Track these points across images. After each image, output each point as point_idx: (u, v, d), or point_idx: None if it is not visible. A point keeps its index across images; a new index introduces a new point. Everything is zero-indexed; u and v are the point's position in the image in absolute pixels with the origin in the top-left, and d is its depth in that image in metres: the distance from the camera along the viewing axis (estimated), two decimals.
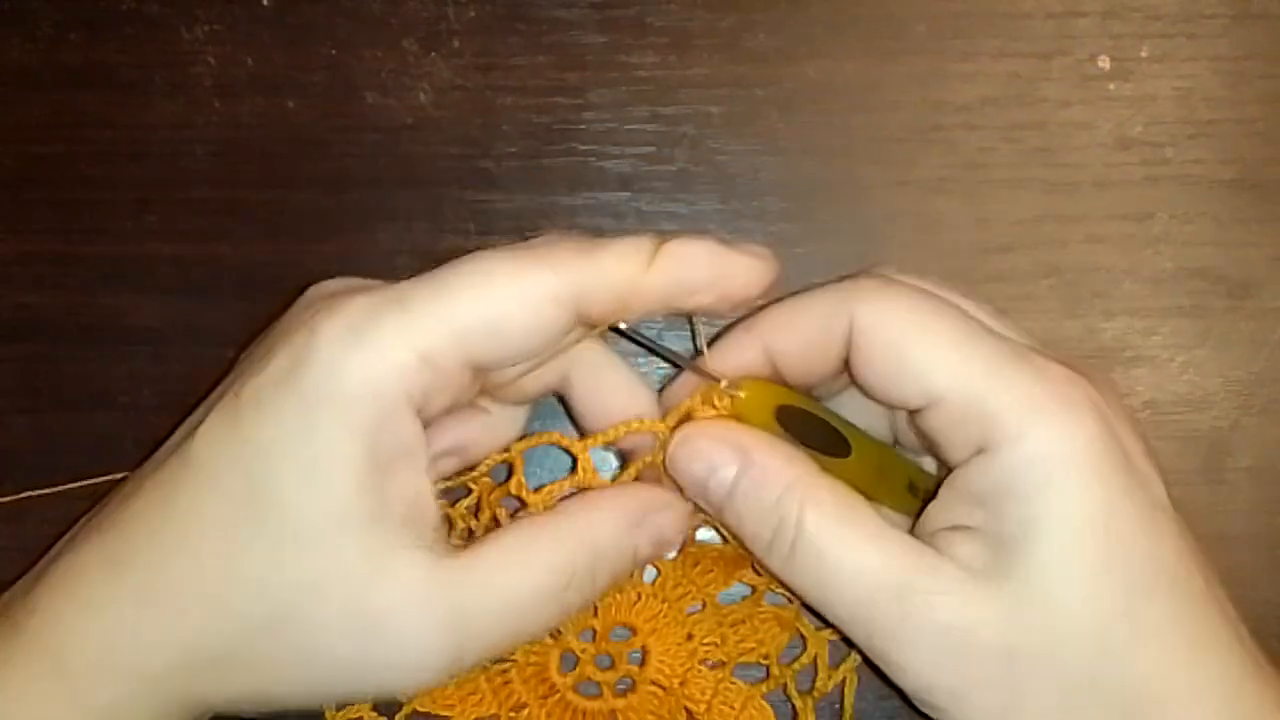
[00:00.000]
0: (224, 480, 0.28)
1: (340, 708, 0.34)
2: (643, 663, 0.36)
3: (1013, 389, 0.28)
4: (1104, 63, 0.39)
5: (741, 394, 0.30)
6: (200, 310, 0.38)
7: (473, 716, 0.35)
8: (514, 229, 0.38)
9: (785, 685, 0.36)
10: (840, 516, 0.29)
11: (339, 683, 0.29)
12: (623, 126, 0.39)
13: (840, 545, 0.29)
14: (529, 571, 0.29)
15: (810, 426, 0.31)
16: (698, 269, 0.29)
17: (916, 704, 0.30)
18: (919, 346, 0.29)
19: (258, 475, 0.28)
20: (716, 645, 0.36)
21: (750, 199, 0.38)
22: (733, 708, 0.36)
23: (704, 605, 0.36)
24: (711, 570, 0.35)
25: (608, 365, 0.33)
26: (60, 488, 0.35)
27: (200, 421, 0.29)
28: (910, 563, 0.29)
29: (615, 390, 0.33)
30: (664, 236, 0.30)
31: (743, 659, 0.36)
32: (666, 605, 0.35)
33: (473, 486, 0.34)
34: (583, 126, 0.39)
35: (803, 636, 0.36)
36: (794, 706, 0.36)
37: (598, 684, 0.35)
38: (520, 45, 0.39)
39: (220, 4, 0.39)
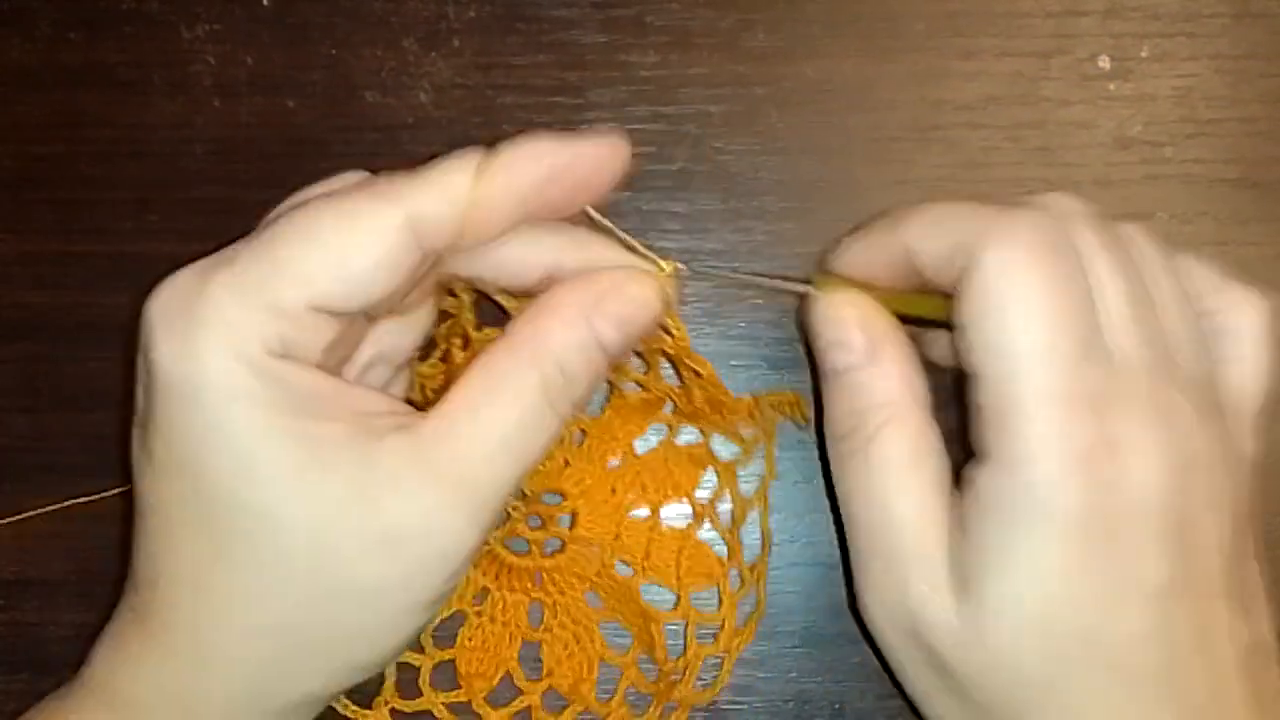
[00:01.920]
0: (176, 512, 0.27)
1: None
2: (572, 525, 0.36)
3: (1036, 419, 0.27)
4: (1104, 62, 0.39)
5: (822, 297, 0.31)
6: None
7: None
8: None
9: (710, 520, 0.37)
10: (904, 463, 0.29)
11: (388, 622, 0.28)
12: (623, 126, 0.38)
13: (884, 486, 0.29)
14: (502, 403, 0.28)
15: (907, 319, 0.32)
16: (533, 167, 0.28)
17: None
18: (1002, 313, 0.28)
19: (191, 490, 0.27)
20: (641, 492, 0.36)
21: (750, 198, 0.38)
22: (671, 551, 0.36)
23: (622, 458, 0.37)
24: (631, 420, 0.36)
25: (597, 242, 0.31)
26: (59, 505, 0.36)
27: (132, 466, 0.29)
28: (923, 544, 0.29)
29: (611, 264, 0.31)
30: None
31: (665, 502, 0.37)
32: (592, 466, 0.36)
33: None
34: (583, 125, 0.39)
35: (715, 471, 0.37)
36: (725, 540, 0.37)
37: (527, 541, 0.36)
38: (520, 44, 0.39)
39: (220, 3, 0.39)
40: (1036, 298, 0.27)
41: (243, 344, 0.26)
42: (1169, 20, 0.39)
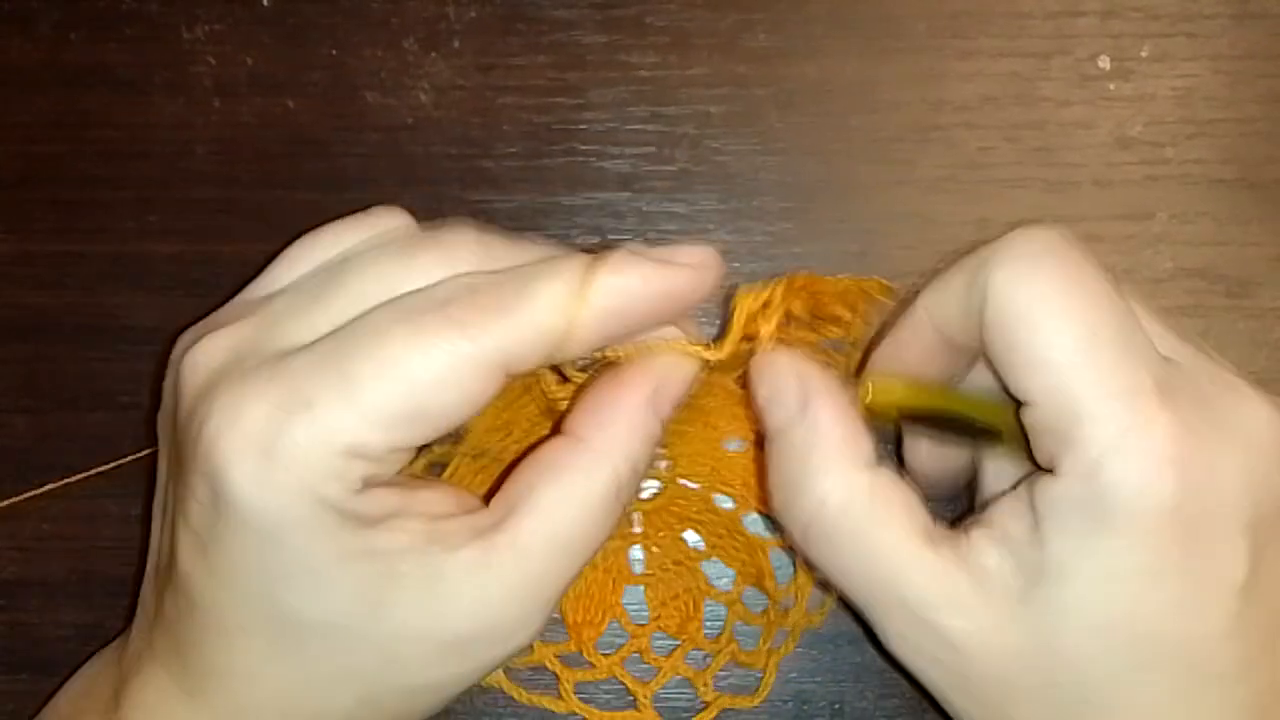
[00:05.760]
0: (233, 616, 0.27)
1: None
2: (669, 466, 0.36)
3: (1105, 423, 0.26)
4: (1104, 62, 0.39)
5: (866, 399, 0.29)
6: (200, 309, 0.37)
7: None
8: (514, 229, 0.38)
9: None
10: (870, 505, 0.28)
11: (441, 704, 0.29)
12: (623, 126, 0.39)
13: (868, 549, 0.28)
14: (574, 510, 0.28)
15: (952, 420, 0.30)
16: (634, 301, 0.27)
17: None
18: (1035, 330, 0.26)
19: (254, 599, 0.27)
20: (735, 421, 0.35)
21: (750, 198, 0.38)
22: None
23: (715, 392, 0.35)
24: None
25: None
26: (53, 485, 0.35)
27: (173, 544, 0.28)
28: (919, 573, 0.28)
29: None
30: (590, 263, 0.27)
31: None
32: (686, 409, 0.35)
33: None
34: (583, 126, 0.39)
35: None
36: None
37: None
38: (520, 45, 0.39)
39: (220, 4, 0.39)
40: (1059, 295, 0.26)
41: (325, 489, 0.26)
42: (1169, 20, 0.39)
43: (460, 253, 0.28)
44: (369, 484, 0.26)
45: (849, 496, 0.28)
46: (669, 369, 0.29)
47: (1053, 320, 0.26)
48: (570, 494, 0.28)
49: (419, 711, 0.29)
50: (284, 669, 0.27)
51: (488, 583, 0.27)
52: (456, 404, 0.26)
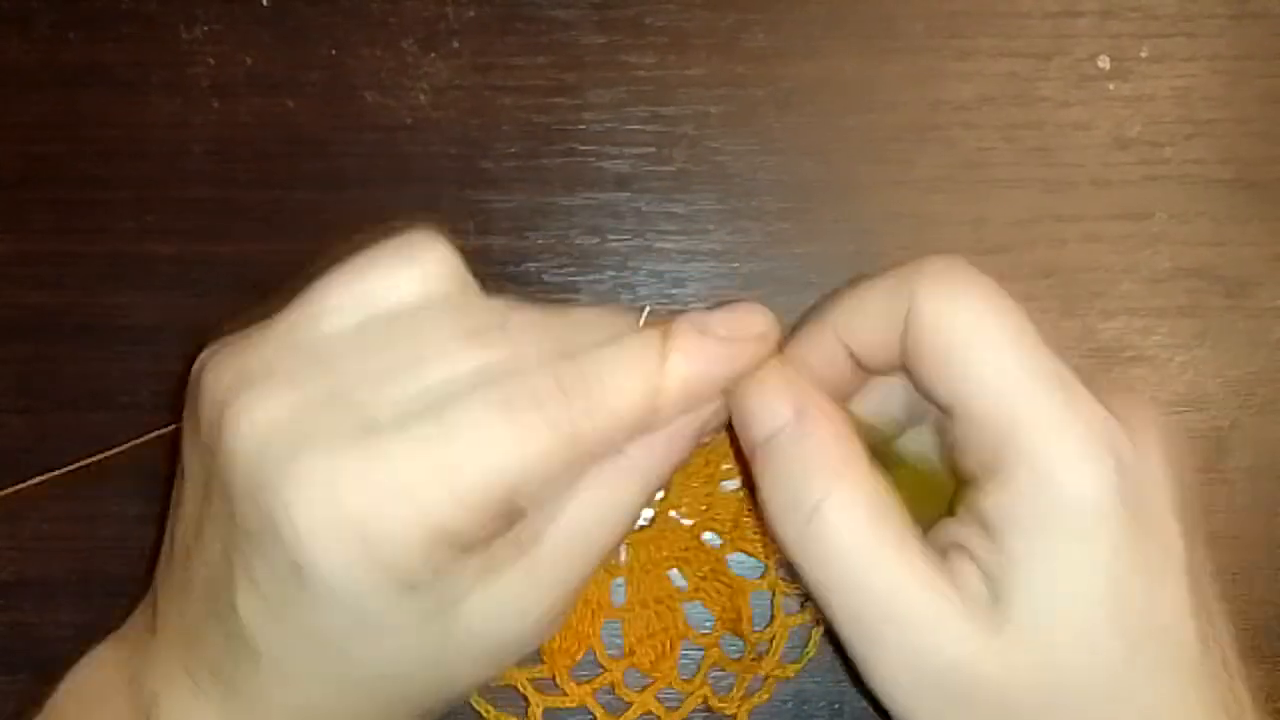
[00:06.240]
0: (286, 650, 0.27)
1: None
2: (663, 498, 0.36)
3: (1041, 422, 0.27)
4: (1103, 62, 0.39)
5: None
6: (199, 309, 0.38)
7: None
8: (513, 229, 0.38)
9: None
10: (865, 527, 0.28)
11: (459, 696, 0.30)
12: (621, 126, 0.39)
13: (857, 560, 0.27)
14: (610, 532, 0.29)
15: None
16: (707, 384, 0.28)
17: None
18: (968, 345, 0.27)
19: (308, 638, 0.27)
20: (734, 461, 0.36)
21: (749, 198, 0.38)
22: (760, 521, 0.35)
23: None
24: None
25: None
26: (50, 475, 0.35)
27: (231, 593, 0.27)
28: (914, 588, 0.27)
29: None
30: (661, 346, 0.28)
31: None
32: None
33: None
34: (581, 126, 0.39)
35: None
36: None
37: None
38: (519, 45, 0.39)
39: (219, 3, 0.39)
40: (989, 313, 0.27)
41: (418, 574, 0.26)
42: (1168, 20, 0.39)
43: (528, 334, 0.28)
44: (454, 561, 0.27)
45: (850, 499, 0.28)
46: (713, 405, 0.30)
47: (986, 337, 0.27)
48: (606, 511, 0.29)
49: (441, 707, 0.30)
50: (346, 704, 0.28)
51: (526, 594, 0.28)
52: (543, 488, 0.27)
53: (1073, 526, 0.27)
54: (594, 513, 0.29)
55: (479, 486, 0.26)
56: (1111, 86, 0.39)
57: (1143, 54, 0.39)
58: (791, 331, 0.31)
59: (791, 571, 0.29)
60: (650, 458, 0.29)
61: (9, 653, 0.37)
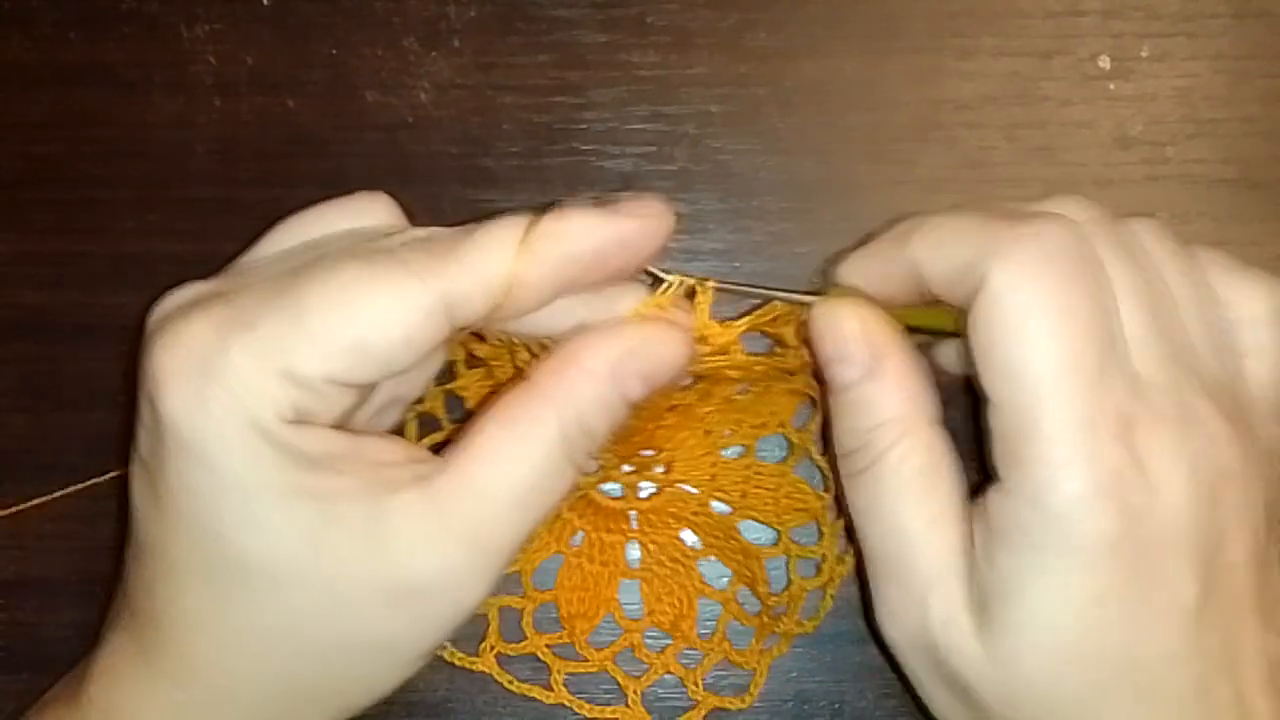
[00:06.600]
0: (183, 558, 0.27)
1: None
2: (667, 470, 0.36)
3: (1056, 454, 0.26)
4: (1104, 62, 0.39)
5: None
6: None
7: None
8: None
9: (809, 451, 0.37)
10: (915, 482, 0.28)
11: (391, 671, 0.28)
12: (623, 125, 0.39)
13: (895, 507, 0.29)
14: (520, 458, 0.27)
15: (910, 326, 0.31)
16: (576, 249, 0.27)
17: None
18: (1020, 332, 0.26)
19: (199, 540, 0.27)
20: (735, 428, 0.36)
21: (750, 198, 0.38)
22: (768, 489, 0.36)
23: (713, 399, 0.35)
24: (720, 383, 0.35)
25: (628, 294, 0.30)
26: (56, 494, 0.35)
27: (130, 487, 0.28)
28: (940, 566, 0.28)
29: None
30: (539, 214, 0.27)
31: (759, 434, 0.36)
32: (685, 418, 0.35)
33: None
34: (583, 125, 0.39)
35: (812, 400, 0.36)
36: (821, 471, 0.37)
37: (621, 485, 0.36)
38: (521, 44, 0.39)
39: (220, 2, 0.39)
40: (1051, 315, 0.26)
41: (258, 410, 0.26)
42: (1169, 20, 0.39)
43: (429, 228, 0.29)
44: (306, 418, 0.26)
45: (910, 448, 0.29)
46: (643, 343, 0.29)
47: (1038, 337, 0.26)
48: (514, 442, 0.27)
49: (380, 677, 0.29)
50: (230, 616, 0.27)
51: (430, 526, 0.27)
52: (399, 344, 0.26)
53: (1059, 556, 0.26)
54: (506, 449, 0.27)
55: (321, 324, 0.26)
56: (1113, 86, 0.39)
57: (1145, 53, 0.39)
58: (864, 242, 0.32)
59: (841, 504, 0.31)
60: (562, 388, 0.28)
61: (9, 652, 0.37)
